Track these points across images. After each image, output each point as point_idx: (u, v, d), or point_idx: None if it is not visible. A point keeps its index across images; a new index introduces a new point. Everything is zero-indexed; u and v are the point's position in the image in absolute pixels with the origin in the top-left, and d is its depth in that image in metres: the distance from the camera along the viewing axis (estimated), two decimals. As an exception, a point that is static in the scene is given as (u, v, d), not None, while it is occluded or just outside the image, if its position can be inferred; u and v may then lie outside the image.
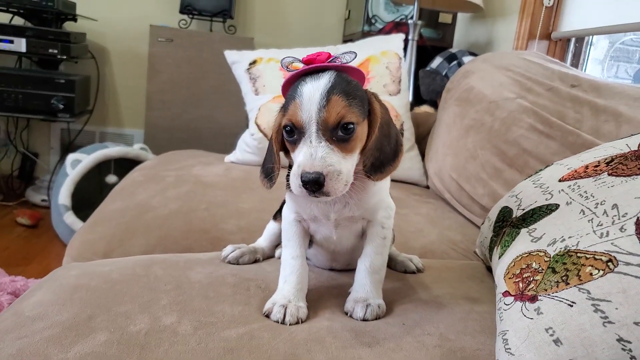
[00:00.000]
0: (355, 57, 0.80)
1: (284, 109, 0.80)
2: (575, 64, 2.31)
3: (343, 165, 0.75)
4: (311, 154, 0.73)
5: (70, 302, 0.80)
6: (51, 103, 2.73)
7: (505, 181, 1.46)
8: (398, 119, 1.91)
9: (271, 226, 1.11)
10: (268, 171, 0.85)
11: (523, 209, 0.90)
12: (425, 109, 2.46)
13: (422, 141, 2.08)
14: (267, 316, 0.81)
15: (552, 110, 1.48)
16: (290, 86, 0.82)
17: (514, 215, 0.92)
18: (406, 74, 2.02)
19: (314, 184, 0.72)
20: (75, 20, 2.99)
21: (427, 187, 1.89)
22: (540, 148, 1.42)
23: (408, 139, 1.92)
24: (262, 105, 1.87)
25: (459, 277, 1.04)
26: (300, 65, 0.80)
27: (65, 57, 2.75)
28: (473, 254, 1.29)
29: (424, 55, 2.76)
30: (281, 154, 0.85)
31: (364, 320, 0.83)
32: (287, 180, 0.87)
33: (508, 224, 0.92)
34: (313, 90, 0.75)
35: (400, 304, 0.90)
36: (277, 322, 0.80)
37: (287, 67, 0.81)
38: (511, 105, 1.56)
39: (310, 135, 0.75)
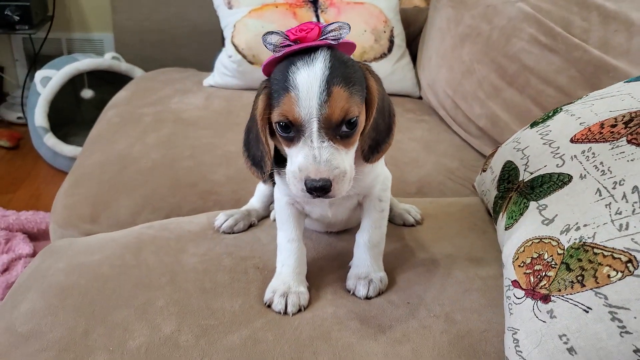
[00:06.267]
0: (350, 31, 0.69)
1: (273, 97, 0.69)
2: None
3: (347, 162, 0.68)
4: (314, 156, 0.65)
5: (62, 311, 0.77)
6: (5, 14, 2.49)
7: (504, 101, 1.37)
8: (387, 25, 1.76)
9: (262, 187, 1.05)
10: (257, 159, 0.76)
11: (531, 172, 0.84)
12: (415, 1, 2.26)
13: (412, 43, 1.94)
14: (269, 306, 0.79)
15: (556, 17, 1.34)
16: (275, 65, 0.71)
17: (520, 178, 0.86)
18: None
19: (321, 191, 0.66)
20: None
21: (420, 97, 1.80)
22: (542, 64, 1.31)
23: (399, 45, 1.78)
24: (238, 22, 1.70)
25: (460, 229, 1.01)
26: (288, 44, 0.68)
27: (11, -41, 2.46)
28: (471, 187, 1.25)
29: None
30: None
31: (367, 298, 0.82)
32: (275, 169, 0.79)
33: (515, 189, 0.87)
34: (310, 80, 0.65)
35: (402, 271, 0.88)
36: (280, 313, 0.78)
37: (275, 50, 0.68)
38: (511, 10, 1.42)
39: (311, 135, 0.66)
